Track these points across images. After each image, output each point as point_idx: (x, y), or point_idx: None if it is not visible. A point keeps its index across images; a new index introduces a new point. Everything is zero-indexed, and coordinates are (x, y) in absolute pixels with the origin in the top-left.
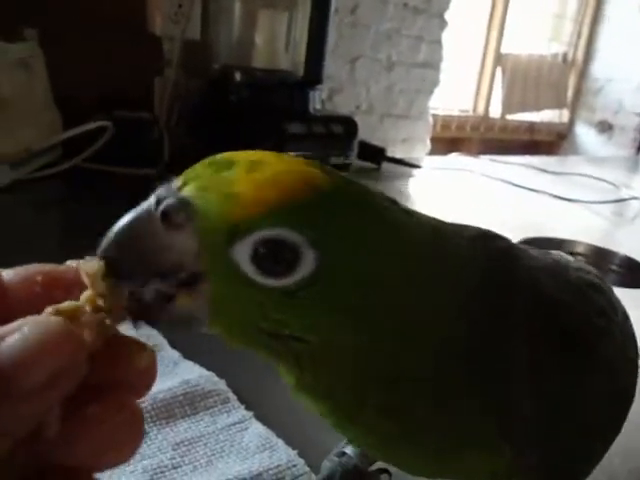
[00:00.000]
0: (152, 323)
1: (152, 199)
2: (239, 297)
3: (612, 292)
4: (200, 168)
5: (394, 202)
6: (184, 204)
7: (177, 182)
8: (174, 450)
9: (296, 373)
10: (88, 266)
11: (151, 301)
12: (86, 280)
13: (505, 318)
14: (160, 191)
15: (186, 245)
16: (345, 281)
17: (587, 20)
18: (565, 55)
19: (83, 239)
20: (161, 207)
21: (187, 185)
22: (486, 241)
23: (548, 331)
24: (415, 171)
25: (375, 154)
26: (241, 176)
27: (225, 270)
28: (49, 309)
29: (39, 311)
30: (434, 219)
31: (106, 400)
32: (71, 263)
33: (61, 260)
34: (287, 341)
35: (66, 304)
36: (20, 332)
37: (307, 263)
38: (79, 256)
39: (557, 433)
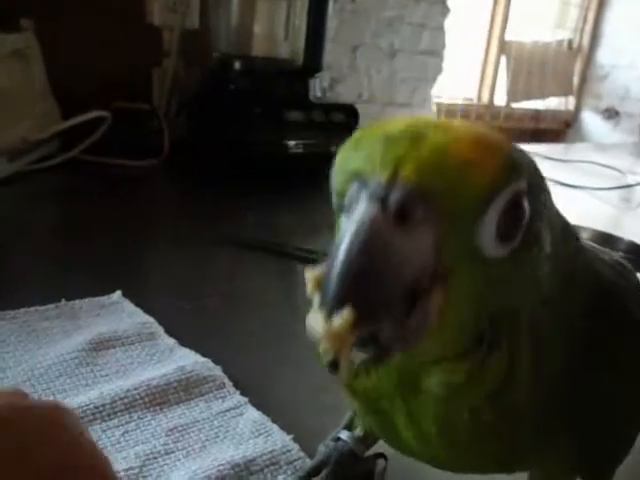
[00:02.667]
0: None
1: (368, 207)
2: (481, 283)
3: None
4: (393, 147)
5: None
6: (416, 195)
7: (380, 173)
8: (167, 436)
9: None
10: (334, 325)
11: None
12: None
13: (572, 305)
14: (372, 189)
15: (426, 247)
16: (544, 229)
17: (592, 6)
18: (570, 42)
19: (82, 232)
20: (390, 208)
21: (402, 171)
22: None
23: (612, 315)
24: None
25: None
26: (453, 140)
27: (471, 254)
28: None
29: None
30: None
31: None
32: None
33: (59, 253)
34: (506, 320)
35: None
36: None
37: (525, 223)
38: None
39: (614, 416)
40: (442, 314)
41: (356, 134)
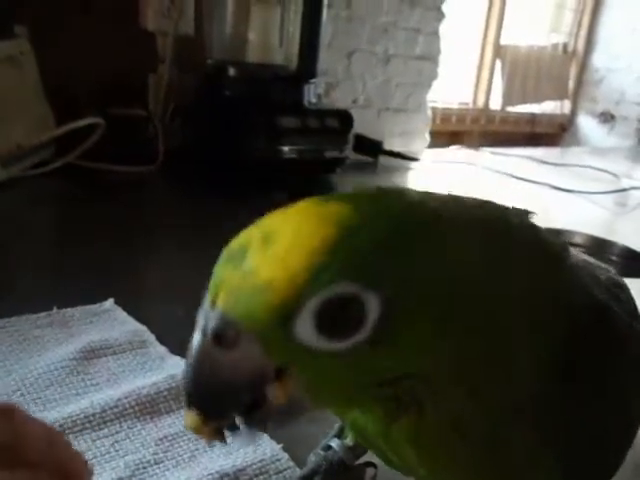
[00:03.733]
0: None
1: (197, 334)
2: (330, 370)
3: (627, 288)
4: (221, 270)
5: (428, 193)
6: (225, 321)
7: (208, 300)
8: (157, 445)
9: (413, 417)
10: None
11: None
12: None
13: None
14: (200, 319)
15: (252, 355)
16: (420, 299)
17: (587, 9)
18: (565, 46)
19: (77, 237)
20: (208, 334)
21: (218, 298)
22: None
23: (599, 336)
24: (414, 164)
25: (372, 147)
26: (260, 260)
27: (300, 355)
28: None
29: None
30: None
31: None
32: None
33: (53, 260)
34: (400, 382)
35: None
36: None
37: (374, 308)
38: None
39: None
40: (309, 391)
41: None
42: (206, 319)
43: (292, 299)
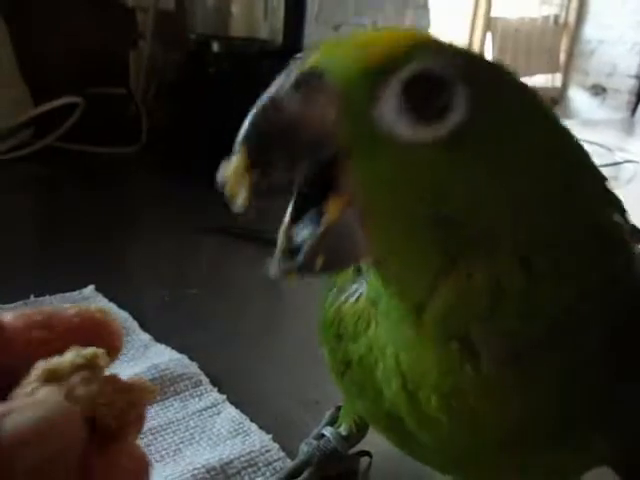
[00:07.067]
0: (307, 266)
1: (281, 78)
2: (393, 171)
3: None
4: (321, 46)
5: None
6: (315, 68)
7: (300, 60)
8: (140, 439)
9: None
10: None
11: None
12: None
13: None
14: (286, 70)
15: (325, 111)
16: (502, 131)
17: None
18: (557, 17)
19: (58, 221)
20: (291, 79)
21: (312, 57)
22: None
23: None
24: None
25: None
26: (368, 34)
27: (371, 132)
28: (39, 369)
29: (38, 357)
30: None
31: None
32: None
33: (32, 246)
34: (454, 229)
35: (55, 362)
36: (20, 414)
37: (459, 103)
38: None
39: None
40: (366, 208)
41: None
42: (291, 71)
43: (387, 60)
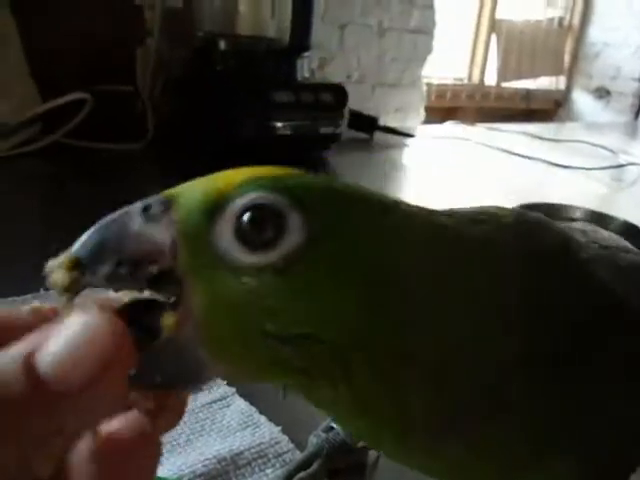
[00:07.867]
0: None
1: (137, 204)
2: (230, 294)
3: None
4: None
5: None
6: (163, 199)
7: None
8: None
9: (322, 388)
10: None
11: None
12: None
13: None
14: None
15: (162, 235)
16: (343, 254)
17: None
18: (561, 20)
19: (65, 217)
20: (141, 204)
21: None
22: (526, 228)
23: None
24: (409, 140)
25: (367, 124)
26: (223, 174)
27: (208, 259)
28: None
29: None
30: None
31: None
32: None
33: (44, 240)
34: (301, 345)
35: None
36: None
37: (294, 229)
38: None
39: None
40: (205, 326)
41: None
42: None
43: (219, 197)
